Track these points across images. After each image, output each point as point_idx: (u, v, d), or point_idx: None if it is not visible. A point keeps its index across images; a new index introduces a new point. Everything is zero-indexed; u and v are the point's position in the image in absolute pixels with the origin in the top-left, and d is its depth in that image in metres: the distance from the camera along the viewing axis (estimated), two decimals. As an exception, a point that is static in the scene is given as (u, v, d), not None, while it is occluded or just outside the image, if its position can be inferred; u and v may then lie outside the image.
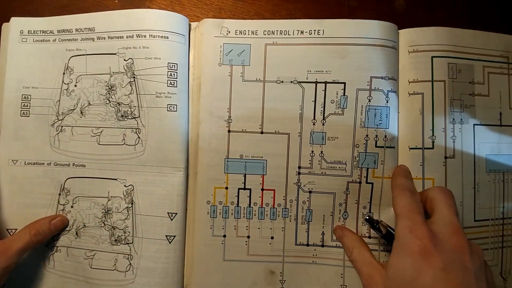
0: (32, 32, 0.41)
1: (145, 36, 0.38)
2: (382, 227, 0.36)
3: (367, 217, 0.37)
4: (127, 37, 0.39)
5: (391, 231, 0.36)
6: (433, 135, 0.38)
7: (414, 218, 0.32)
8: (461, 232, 0.31)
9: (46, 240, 0.39)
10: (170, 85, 0.38)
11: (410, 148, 0.38)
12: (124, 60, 0.39)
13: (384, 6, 0.42)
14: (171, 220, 0.38)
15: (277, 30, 0.40)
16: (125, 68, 0.39)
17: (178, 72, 0.39)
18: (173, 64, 0.38)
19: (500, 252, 0.39)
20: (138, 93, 0.39)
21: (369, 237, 0.39)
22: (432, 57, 0.38)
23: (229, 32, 0.40)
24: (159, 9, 0.42)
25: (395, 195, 0.35)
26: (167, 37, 0.38)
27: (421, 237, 0.30)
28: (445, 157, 0.38)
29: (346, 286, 0.39)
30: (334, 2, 0.42)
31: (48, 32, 0.41)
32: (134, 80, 0.39)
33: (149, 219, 0.38)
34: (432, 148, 0.38)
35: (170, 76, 0.38)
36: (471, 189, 0.38)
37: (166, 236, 0.38)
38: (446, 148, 0.38)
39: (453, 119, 0.38)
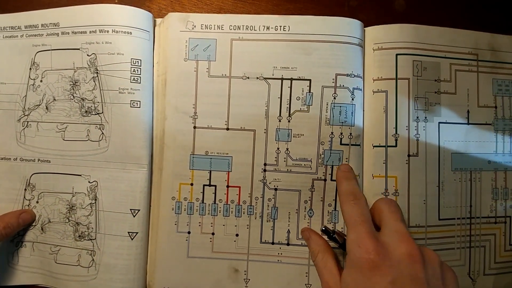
0: (2, 28, 0.41)
1: (107, 31, 0.38)
2: (339, 237, 0.36)
3: (323, 228, 0.36)
4: (90, 32, 0.38)
5: None
6: (396, 133, 0.38)
7: (360, 230, 0.31)
8: (409, 239, 0.30)
9: (14, 234, 0.39)
10: (134, 81, 0.38)
11: (374, 146, 0.38)
12: (87, 55, 0.39)
13: (384, 6, 0.42)
14: (134, 216, 0.38)
15: (243, 25, 0.39)
16: (88, 63, 0.39)
17: (142, 68, 0.38)
18: (137, 60, 0.38)
19: (467, 252, 0.39)
20: (101, 88, 0.38)
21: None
22: (397, 54, 0.38)
23: (195, 26, 0.40)
24: (159, 8, 0.41)
25: (341, 203, 0.35)
26: (130, 33, 0.38)
27: (368, 251, 0.30)
28: (408, 155, 0.37)
29: (311, 285, 0.38)
30: (334, 2, 0.42)
31: (16, 28, 0.41)
32: (97, 76, 0.38)
33: (112, 215, 0.38)
34: (395, 146, 0.38)
35: (133, 72, 0.38)
36: (435, 187, 0.38)
37: (129, 232, 0.38)
38: (410, 146, 0.37)
39: (417, 117, 0.38)
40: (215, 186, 0.39)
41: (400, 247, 0.30)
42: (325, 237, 0.37)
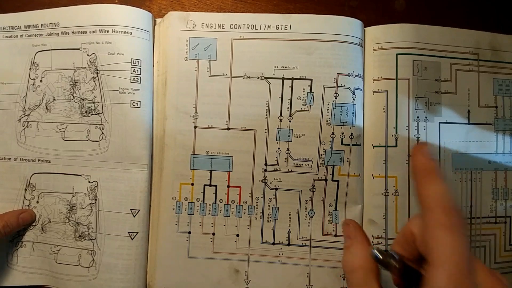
0: (1, 28, 0.41)
1: (108, 31, 0.38)
2: (395, 261, 0.25)
3: (374, 252, 0.26)
4: (90, 32, 0.38)
5: (410, 266, 0.25)
6: (396, 133, 0.38)
7: (463, 282, 0.20)
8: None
9: (13, 233, 0.39)
10: (134, 81, 0.38)
11: (374, 146, 0.38)
12: (87, 55, 0.38)
13: (384, 6, 0.42)
14: (134, 216, 0.38)
15: (243, 24, 0.39)
16: (88, 63, 0.39)
17: (142, 68, 0.38)
18: (137, 60, 0.38)
19: (468, 251, 0.39)
20: (101, 88, 0.38)
21: (335, 235, 0.38)
22: (397, 54, 0.38)
23: (195, 25, 0.40)
24: (159, 8, 0.41)
25: (432, 221, 0.22)
26: (130, 33, 0.38)
27: None
28: (409, 155, 0.37)
29: (312, 286, 0.38)
30: (334, 2, 0.42)
31: (15, 28, 0.41)
32: (97, 76, 0.38)
33: (112, 215, 0.38)
34: (396, 146, 0.37)
35: (134, 72, 0.38)
36: (436, 187, 0.38)
37: (129, 232, 0.38)
38: (410, 146, 0.37)
39: (417, 117, 0.38)
40: (216, 186, 0.39)
41: None
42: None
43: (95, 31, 0.38)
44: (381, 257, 0.25)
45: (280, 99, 0.39)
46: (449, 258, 0.20)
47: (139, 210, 0.38)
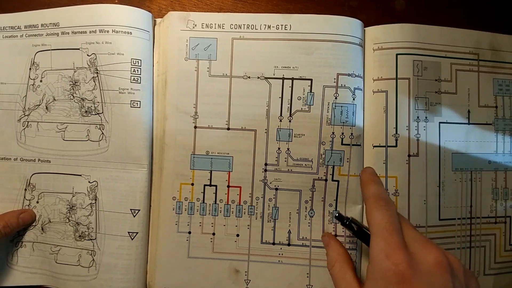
0: (1, 28, 0.41)
1: (108, 31, 0.38)
2: (354, 224, 0.34)
3: (337, 214, 0.35)
4: (90, 32, 0.38)
5: (365, 230, 0.34)
6: (396, 133, 0.38)
7: (390, 240, 0.28)
8: (434, 245, 0.28)
9: (13, 233, 0.39)
10: (134, 81, 0.38)
11: (374, 146, 0.38)
12: (87, 55, 0.38)
13: (384, 6, 0.42)
14: (134, 216, 0.38)
15: (244, 24, 0.39)
16: (88, 63, 0.38)
17: (142, 68, 0.38)
18: (137, 60, 0.38)
19: (468, 252, 0.39)
20: (101, 88, 0.38)
21: (336, 235, 0.38)
22: (397, 54, 0.38)
23: (195, 25, 0.39)
24: (159, 8, 0.41)
25: (369, 207, 0.31)
26: (131, 33, 0.38)
27: (398, 263, 0.27)
28: (409, 155, 0.37)
29: (312, 286, 0.38)
30: (334, 2, 0.42)
31: (15, 28, 0.41)
32: (97, 76, 0.38)
33: (112, 215, 0.38)
34: (396, 146, 0.38)
35: (134, 72, 0.38)
36: (436, 187, 0.38)
37: (129, 232, 0.38)
38: (410, 146, 0.37)
39: (417, 117, 0.38)
40: (216, 186, 0.39)
41: (428, 256, 0.28)
42: (339, 223, 0.36)
43: (95, 31, 0.38)
44: (344, 216, 0.35)
45: (280, 99, 0.39)
46: (379, 226, 0.29)
47: (139, 210, 0.38)
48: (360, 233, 0.34)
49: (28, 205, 0.40)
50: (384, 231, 0.29)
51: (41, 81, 0.40)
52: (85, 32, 0.38)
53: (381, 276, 0.28)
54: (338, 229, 0.38)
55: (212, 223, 0.39)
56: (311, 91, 0.39)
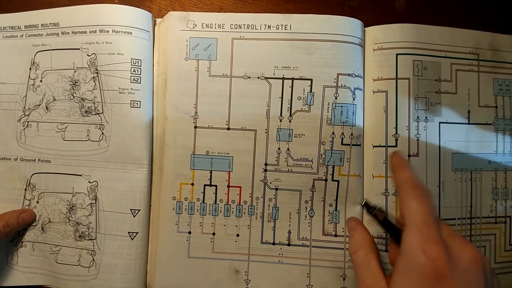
0: (1, 28, 0.41)
1: (108, 31, 0.38)
2: (380, 213, 0.33)
3: (364, 202, 0.35)
4: (90, 32, 0.38)
5: (391, 222, 0.33)
6: (396, 133, 0.38)
7: (429, 233, 0.27)
8: (468, 242, 0.28)
9: (13, 233, 0.39)
10: (134, 81, 0.38)
11: (374, 146, 0.38)
12: (87, 55, 0.38)
13: (384, 6, 0.42)
14: (134, 216, 0.38)
15: (244, 24, 0.39)
16: (88, 63, 0.38)
17: (142, 68, 0.38)
18: (137, 60, 0.38)
19: (468, 251, 0.39)
20: (101, 88, 0.38)
21: (336, 235, 0.38)
22: (397, 54, 0.38)
23: (195, 25, 0.39)
24: (159, 8, 0.41)
25: (404, 195, 0.29)
26: (131, 33, 0.38)
27: (435, 258, 0.26)
28: (409, 155, 0.37)
29: (312, 286, 0.38)
30: (334, 2, 0.42)
31: (15, 28, 0.41)
32: (98, 76, 0.38)
33: (112, 215, 0.38)
34: (396, 146, 0.38)
35: (134, 72, 0.38)
36: (436, 187, 0.38)
37: (129, 232, 0.38)
38: (410, 146, 0.37)
39: (417, 117, 0.38)
40: (216, 186, 0.39)
41: (464, 253, 0.27)
42: (364, 210, 0.35)
43: (95, 31, 0.38)
44: (370, 205, 0.34)
45: (280, 99, 0.39)
46: (416, 217, 0.28)
47: (139, 210, 0.38)
48: (387, 224, 0.33)
49: (28, 205, 0.40)
50: (421, 223, 0.27)
51: (41, 81, 0.40)
52: (85, 32, 0.38)
53: (415, 271, 0.26)
54: (338, 229, 0.38)
55: (212, 223, 0.39)
56: (311, 91, 0.39)
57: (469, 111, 0.39)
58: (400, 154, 0.34)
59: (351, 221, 0.36)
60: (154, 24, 0.40)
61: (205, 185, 0.39)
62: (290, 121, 0.39)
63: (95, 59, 0.38)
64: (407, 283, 0.27)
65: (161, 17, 0.40)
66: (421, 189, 0.29)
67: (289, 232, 0.39)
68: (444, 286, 0.26)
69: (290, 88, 0.39)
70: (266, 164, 0.39)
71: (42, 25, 0.40)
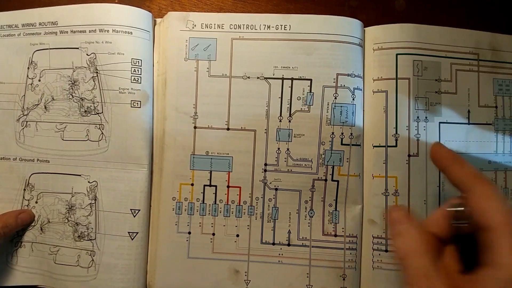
0: (-1, 27, 0.41)
1: (108, 31, 0.38)
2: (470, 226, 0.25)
3: (455, 209, 0.26)
4: (89, 31, 0.38)
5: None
6: (396, 133, 0.38)
7: None
8: None
9: (12, 234, 0.39)
10: (134, 81, 0.38)
11: (374, 146, 0.38)
12: (87, 54, 0.38)
13: (384, 6, 0.42)
14: (134, 216, 0.38)
15: (243, 24, 0.39)
16: (88, 62, 0.38)
17: (142, 68, 0.38)
18: (137, 60, 0.38)
19: (468, 251, 0.39)
20: (101, 88, 0.38)
21: (335, 235, 0.38)
22: (397, 54, 0.38)
23: (195, 26, 0.39)
24: (159, 8, 0.41)
25: (479, 193, 0.24)
26: (131, 33, 0.38)
27: None
28: (409, 155, 0.37)
29: (312, 286, 0.38)
30: (334, 2, 0.42)
31: (13, 26, 0.40)
32: (97, 75, 0.38)
33: (111, 215, 0.38)
34: (396, 146, 0.38)
35: (134, 72, 0.38)
36: (436, 187, 0.38)
37: (129, 232, 0.38)
38: (410, 146, 0.37)
39: (417, 117, 0.38)
40: (216, 186, 0.39)
41: None
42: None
43: (95, 30, 0.38)
44: (462, 208, 0.25)
45: (280, 99, 0.39)
46: (506, 220, 0.22)
47: (139, 210, 0.38)
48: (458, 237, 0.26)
49: (27, 205, 0.40)
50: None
51: (39, 80, 0.40)
52: (85, 31, 0.38)
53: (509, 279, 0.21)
54: (338, 228, 0.38)
55: (212, 223, 0.39)
56: (310, 91, 0.38)
57: (469, 111, 0.39)
58: (443, 145, 0.28)
59: (396, 212, 0.27)
60: (154, 24, 0.40)
61: (204, 186, 0.39)
62: (289, 121, 0.39)
63: (95, 58, 0.38)
64: None
65: (161, 17, 0.40)
66: (495, 186, 0.25)
67: (289, 232, 0.39)
68: None
69: (290, 88, 0.39)
70: (265, 164, 0.39)
71: (40, 23, 0.40)
